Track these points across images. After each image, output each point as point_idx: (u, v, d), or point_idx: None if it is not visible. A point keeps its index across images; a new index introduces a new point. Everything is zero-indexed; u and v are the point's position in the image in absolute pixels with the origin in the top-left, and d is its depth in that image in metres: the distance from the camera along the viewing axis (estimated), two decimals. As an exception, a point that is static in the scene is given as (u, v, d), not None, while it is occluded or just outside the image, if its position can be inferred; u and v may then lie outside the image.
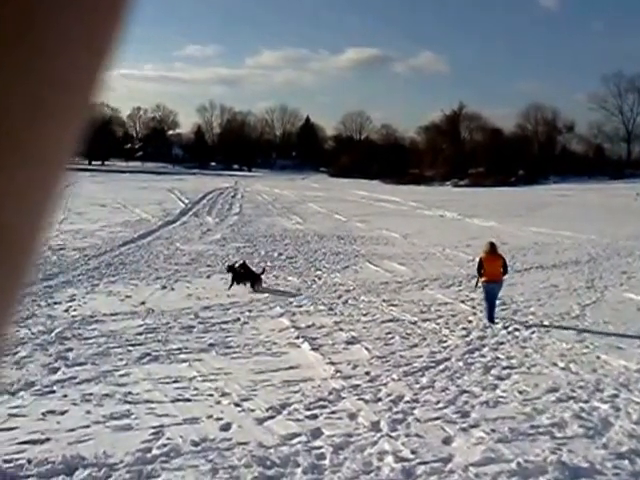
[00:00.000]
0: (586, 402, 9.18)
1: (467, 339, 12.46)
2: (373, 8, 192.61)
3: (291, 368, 10.42)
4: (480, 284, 14.24)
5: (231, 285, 16.69)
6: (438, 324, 13.58)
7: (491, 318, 13.81)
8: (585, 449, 7.63)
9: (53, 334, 12.04)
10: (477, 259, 14.91)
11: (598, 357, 11.40)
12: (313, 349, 11.50)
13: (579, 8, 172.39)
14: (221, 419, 8.27)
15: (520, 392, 9.54)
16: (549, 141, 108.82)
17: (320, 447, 7.54)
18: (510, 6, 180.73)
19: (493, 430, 8.06)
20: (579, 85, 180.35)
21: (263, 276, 17.21)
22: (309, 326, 13.16)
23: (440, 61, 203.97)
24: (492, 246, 14.30)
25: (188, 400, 8.93)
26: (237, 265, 17.54)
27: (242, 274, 16.94)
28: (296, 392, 9.32)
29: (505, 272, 14.24)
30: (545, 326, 13.61)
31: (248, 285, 16.61)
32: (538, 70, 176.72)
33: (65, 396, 8.94)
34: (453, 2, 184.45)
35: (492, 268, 13.98)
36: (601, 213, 45.27)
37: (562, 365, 10.90)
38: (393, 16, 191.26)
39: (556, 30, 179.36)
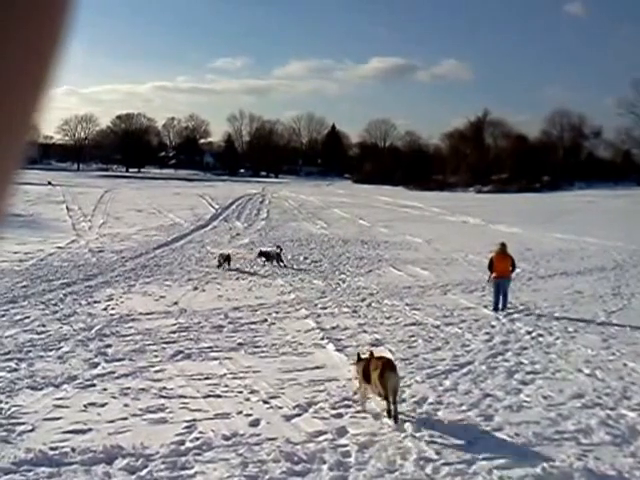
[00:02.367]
0: (613, 409, 9.12)
1: (490, 343, 12.56)
2: (396, 18, 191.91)
3: (317, 368, 10.68)
4: (491, 279, 15.81)
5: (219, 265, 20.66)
6: (461, 328, 13.72)
7: (496, 308, 15.38)
8: (612, 457, 7.58)
9: (93, 331, 12.58)
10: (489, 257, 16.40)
11: (625, 364, 11.35)
12: (338, 350, 11.75)
13: (606, 12, 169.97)
14: (250, 415, 8.55)
15: (544, 397, 9.57)
16: (575, 147, 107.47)
17: (345, 445, 7.75)
18: (535, 12, 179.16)
19: (517, 434, 8.14)
20: (607, 90, 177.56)
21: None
22: (334, 328, 13.42)
23: (464, 68, 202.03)
24: (503, 246, 16.09)
25: (219, 396, 9.25)
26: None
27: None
28: (322, 391, 9.56)
29: (513, 269, 15.95)
30: (569, 332, 13.62)
31: (272, 288, 17.14)
32: (564, 76, 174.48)
33: (105, 389, 9.36)
34: (476, 10, 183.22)
35: (502, 266, 15.58)
36: (628, 220, 44.31)
37: (587, 371, 10.88)
38: (416, 26, 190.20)
39: (582, 35, 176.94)
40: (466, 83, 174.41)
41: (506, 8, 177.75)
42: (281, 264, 21.36)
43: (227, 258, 21.04)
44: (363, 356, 9.13)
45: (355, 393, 9.42)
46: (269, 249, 22.86)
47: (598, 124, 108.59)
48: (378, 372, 8.35)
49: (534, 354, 11.92)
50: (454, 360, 11.35)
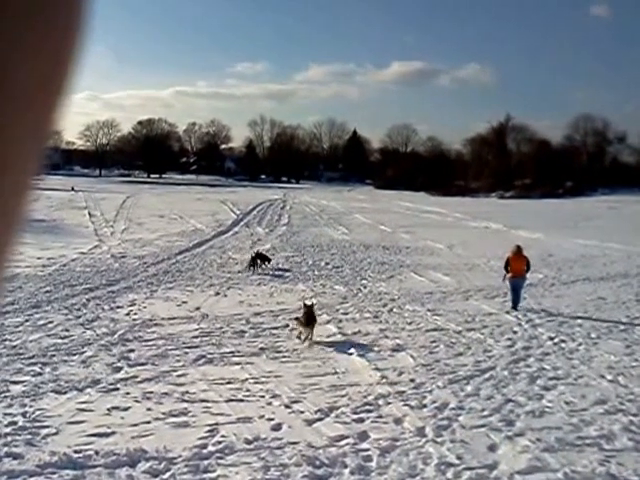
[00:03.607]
0: (635, 415, 9.11)
1: (512, 349, 12.53)
2: (418, 22, 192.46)
3: (338, 373, 10.72)
4: (507, 279, 16.61)
5: (249, 268, 21.18)
6: (483, 334, 13.69)
7: (515, 306, 16.18)
8: (635, 462, 7.58)
9: (116, 336, 12.69)
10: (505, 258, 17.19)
11: (648, 371, 11.31)
12: (359, 355, 11.77)
13: (631, 15, 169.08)
14: (272, 419, 8.61)
15: (567, 403, 9.56)
16: (598, 152, 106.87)
17: (367, 449, 7.79)
18: (559, 14, 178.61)
19: (539, 439, 8.13)
20: (631, 95, 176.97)
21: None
22: (355, 333, 13.44)
23: (486, 72, 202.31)
24: (518, 248, 16.86)
25: (241, 400, 9.31)
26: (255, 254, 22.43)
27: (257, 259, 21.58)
28: (343, 396, 9.60)
29: (528, 269, 16.74)
30: (592, 338, 13.55)
31: (294, 293, 17.23)
32: (588, 80, 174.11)
33: (128, 394, 9.45)
34: (498, 13, 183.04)
35: (517, 266, 16.47)
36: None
37: (610, 377, 10.84)
38: (438, 29, 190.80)
39: (607, 38, 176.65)
40: (488, 87, 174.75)
41: (529, 11, 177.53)
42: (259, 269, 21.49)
43: (258, 257, 21.78)
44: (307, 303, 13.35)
45: (376, 398, 9.50)
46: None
47: (622, 129, 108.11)
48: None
49: (556, 360, 11.88)
50: (476, 366, 11.34)
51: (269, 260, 22.01)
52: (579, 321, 15.14)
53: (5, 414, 8.54)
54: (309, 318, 12.81)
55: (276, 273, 21.10)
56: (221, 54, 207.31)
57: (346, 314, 15.28)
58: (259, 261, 21.51)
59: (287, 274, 21.08)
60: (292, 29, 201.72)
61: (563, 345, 12.93)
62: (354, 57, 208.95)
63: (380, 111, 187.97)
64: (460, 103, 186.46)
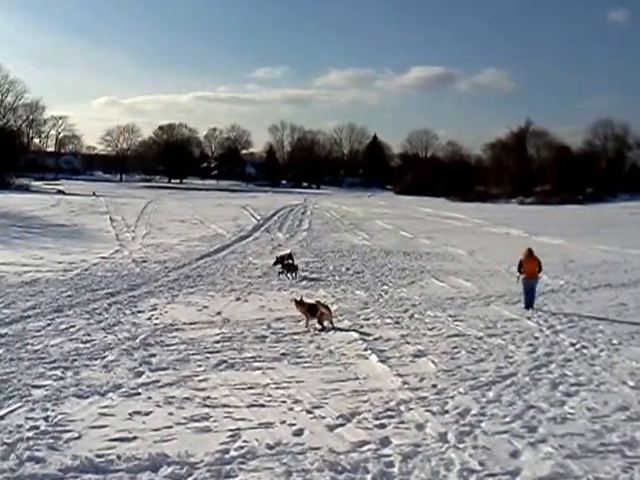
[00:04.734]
0: (658, 422, 8.99)
1: (534, 355, 12.44)
2: (437, 27, 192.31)
3: (359, 379, 10.68)
4: (520, 279, 17.49)
5: (280, 273, 21.49)
6: (504, 340, 13.61)
7: (527, 306, 17.02)
8: (659, 470, 7.49)
9: (137, 340, 12.78)
10: (518, 260, 17.96)
11: (670, 377, 11.16)
12: (381, 361, 11.75)
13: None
14: (294, 425, 8.60)
15: (589, 409, 9.47)
16: (618, 158, 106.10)
17: (389, 455, 7.76)
18: (577, 20, 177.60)
19: (561, 446, 8.06)
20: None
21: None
22: (376, 339, 13.42)
23: (505, 77, 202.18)
24: (530, 250, 17.82)
25: (262, 406, 9.31)
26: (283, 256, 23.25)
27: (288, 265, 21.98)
28: (365, 402, 9.57)
29: (540, 270, 17.61)
30: (614, 344, 13.41)
31: (315, 299, 17.19)
32: (607, 85, 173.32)
33: (149, 398, 9.50)
34: (517, 18, 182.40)
35: (530, 267, 17.40)
36: (674, 232, 43.69)
37: (632, 384, 10.73)
38: (457, 35, 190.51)
39: (626, 43, 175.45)
40: (507, 92, 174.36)
41: (547, 16, 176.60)
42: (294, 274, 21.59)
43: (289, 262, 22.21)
44: (306, 300, 15.20)
45: (398, 404, 9.47)
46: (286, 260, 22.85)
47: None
48: (325, 310, 14.53)
49: (578, 366, 11.78)
50: (497, 372, 11.26)
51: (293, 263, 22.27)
52: (600, 327, 15.01)
53: (27, 418, 8.61)
54: (312, 309, 14.55)
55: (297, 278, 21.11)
56: (241, 59, 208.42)
57: (367, 320, 15.27)
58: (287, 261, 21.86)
59: (308, 279, 21.08)
60: (312, 34, 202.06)
61: (585, 351, 12.83)
62: (374, 62, 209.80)
63: (400, 116, 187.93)
64: (480, 108, 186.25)
